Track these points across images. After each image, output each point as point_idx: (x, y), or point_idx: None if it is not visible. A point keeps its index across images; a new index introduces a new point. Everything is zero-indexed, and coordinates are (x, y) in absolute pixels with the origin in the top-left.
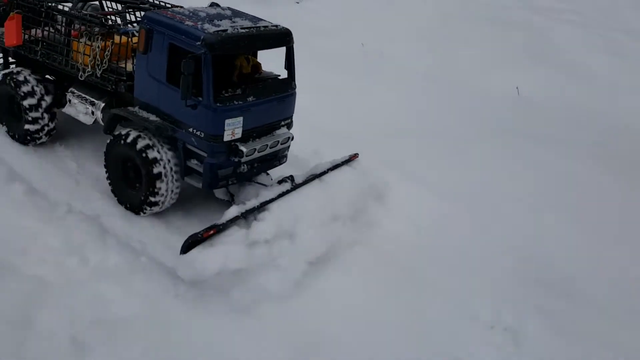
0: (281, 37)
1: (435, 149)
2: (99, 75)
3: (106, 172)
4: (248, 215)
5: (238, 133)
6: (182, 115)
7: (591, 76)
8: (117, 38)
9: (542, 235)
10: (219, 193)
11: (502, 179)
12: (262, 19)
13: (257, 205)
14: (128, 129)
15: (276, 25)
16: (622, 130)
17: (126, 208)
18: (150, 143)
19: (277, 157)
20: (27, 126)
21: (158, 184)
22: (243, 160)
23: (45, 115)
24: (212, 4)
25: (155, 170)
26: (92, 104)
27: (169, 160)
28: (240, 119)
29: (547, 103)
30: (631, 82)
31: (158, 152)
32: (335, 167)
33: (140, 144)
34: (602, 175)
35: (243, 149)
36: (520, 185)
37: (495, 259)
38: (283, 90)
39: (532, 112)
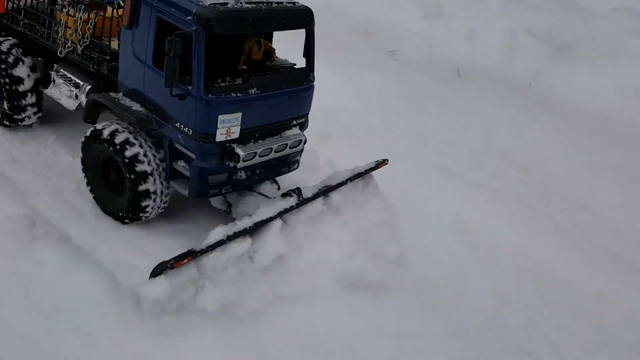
0: (299, 17)
1: None
2: (79, 52)
3: (85, 175)
4: (236, 239)
5: (235, 132)
6: (168, 106)
7: None
8: (109, 10)
9: None
10: (215, 201)
11: None
12: None
13: (250, 227)
14: (104, 122)
15: (293, 3)
16: None
17: (114, 218)
18: (131, 138)
19: (286, 163)
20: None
21: (143, 186)
22: (240, 166)
23: (30, 94)
24: None
25: (139, 169)
26: (77, 86)
27: (154, 157)
28: (239, 115)
29: None
30: None
31: (141, 146)
32: (358, 176)
33: (119, 138)
34: None
35: (240, 152)
36: None
37: None
38: (298, 82)
39: None
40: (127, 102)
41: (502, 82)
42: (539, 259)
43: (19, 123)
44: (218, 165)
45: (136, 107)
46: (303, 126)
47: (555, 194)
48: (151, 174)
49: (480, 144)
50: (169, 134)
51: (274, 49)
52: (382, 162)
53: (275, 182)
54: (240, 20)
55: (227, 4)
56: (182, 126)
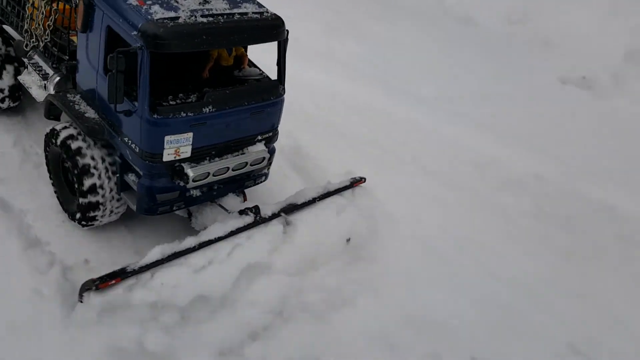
0: (266, 30)
1: None
2: (41, 48)
3: (47, 170)
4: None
5: (186, 152)
6: (116, 119)
7: None
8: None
9: None
10: None
11: None
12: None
13: (194, 246)
14: (64, 123)
15: (260, 13)
16: None
17: (69, 217)
18: (84, 147)
19: (250, 177)
20: None
21: (92, 198)
22: (190, 186)
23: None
24: None
25: (87, 182)
26: (46, 76)
27: (106, 170)
28: (189, 135)
29: None
30: None
31: (92, 158)
32: (327, 195)
33: (73, 145)
34: None
35: (189, 172)
36: None
37: None
38: (263, 97)
39: None
40: (82, 106)
41: None
42: None
43: None
44: (167, 183)
45: (90, 113)
46: (271, 140)
47: None
48: (100, 186)
49: None
50: (119, 146)
51: (246, 55)
52: (359, 181)
53: (243, 193)
54: (192, 37)
55: (178, 18)
56: (129, 141)
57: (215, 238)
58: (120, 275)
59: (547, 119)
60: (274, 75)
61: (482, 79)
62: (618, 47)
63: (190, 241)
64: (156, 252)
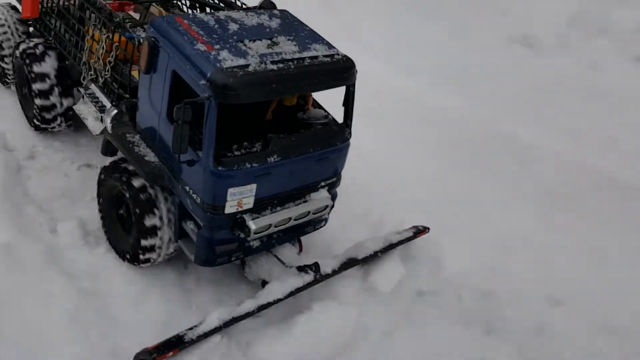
0: (337, 74)
1: None
2: (101, 83)
3: (99, 209)
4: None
5: (248, 203)
6: (177, 167)
7: None
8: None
9: None
10: None
11: None
12: (319, 39)
13: (253, 310)
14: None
15: (332, 55)
16: None
17: (120, 257)
18: (148, 186)
19: (310, 223)
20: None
21: (151, 239)
22: (251, 238)
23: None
24: (261, 5)
25: (149, 222)
26: (103, 109)
27: (167, 211)
28: (253, 186)
29: None
30: None
31: (156, 197)
32: (390, 247)
33: (136, 182)
34: None
35: (251, 225)
36: None
37: None
38: (329, 143)
39: None
40: (142, 148)
41: None
42: None
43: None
44: (227, 235)
45: (150, 156)
46: (334, 185)
47: None
48: (160, 228)
49: None
50: (178, 193)
51: (311, 95)
52: (422, 231)
53: (298, 241)
54: (263, 86)
55: (248, 66)
56: (190, 191)
57: (274, 300)
58: (179, 345)
59: (484, 69)
60: (338, 117)
61: (433, 35)
62: (563, 12)
63: (249, 305)
64: (214, 318)
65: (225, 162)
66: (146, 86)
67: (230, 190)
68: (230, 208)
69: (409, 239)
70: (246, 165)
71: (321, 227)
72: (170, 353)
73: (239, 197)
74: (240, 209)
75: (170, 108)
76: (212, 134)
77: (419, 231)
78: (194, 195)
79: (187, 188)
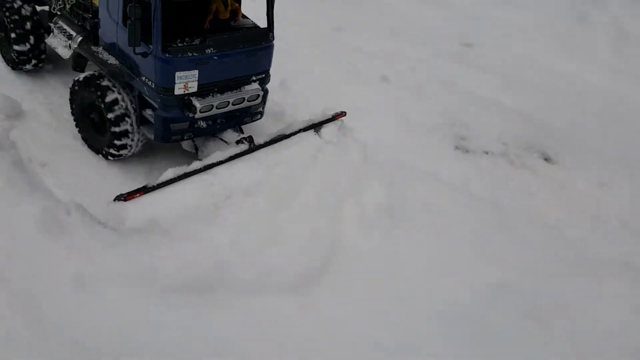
0: None
1: None
2: (68, 9)
3: (73, 118)
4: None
5: (193, 87)
6: (135, 62)
7: None
8: None
9: None
10: (186, 144)
11: None
12: None
13: (201, 168)
14: (90, 72)
15: None
16: None
17: (98, 154)
18: (110, 85)
19: (248, 114)
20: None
21: (121, 127)
22: (197, 116)
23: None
24: None
25: (117, 112)
26: (70, 37)
27: (130, 101)
28: (195, 72)
29: None
30: None
31: (119, 93)
32: (311, 127)
33: (103, 83)
34: None
35: (197, 104)
36: None
37: None
38: (255, 42)
39: None
40: (105, 55)
41: None
42: None
43: (25, 65)
44: (179, 114)
45: (112, 60)
46: (264, 81)
47: None
48: (127, 115)
49: None
50: (137, 85)
51: (240, 9)
52: (339, 114)
53: (240, 129)
54: None
55: None
56: (146, 79)
57: (217, 162)
58: (143, 190)
59: None
60: (263, 25)
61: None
62: None
63: (197, 164)
64: (169, 173)
65: (171, 51)
66: (104, 3)
67: (177, 74)
68: (178, 90)
69: (328, 121)
70: (188, 54)
71: (258, 119)
72: (137, 195)
73: (185, 81)
74: (186, 92)
75: (124, 15)
76: (159, 28)
77: (337, 114)
78: (149, 82)
79: (144, 78)
